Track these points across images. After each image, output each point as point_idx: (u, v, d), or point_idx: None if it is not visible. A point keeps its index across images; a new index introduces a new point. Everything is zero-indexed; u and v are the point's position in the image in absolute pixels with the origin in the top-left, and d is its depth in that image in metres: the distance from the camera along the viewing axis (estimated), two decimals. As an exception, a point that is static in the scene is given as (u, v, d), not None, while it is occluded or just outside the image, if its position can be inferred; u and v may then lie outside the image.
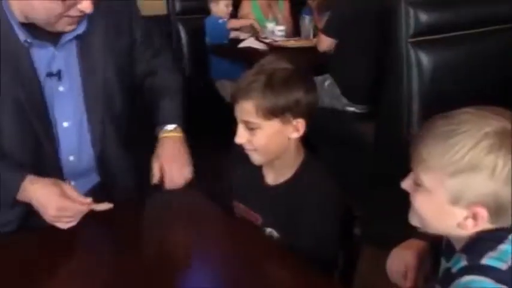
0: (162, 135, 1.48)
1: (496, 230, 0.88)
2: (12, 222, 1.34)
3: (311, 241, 1.25)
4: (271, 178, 1.37)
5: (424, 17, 2.38)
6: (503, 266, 0.84)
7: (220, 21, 3.77)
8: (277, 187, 1.35)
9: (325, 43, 3.04)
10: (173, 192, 1.45)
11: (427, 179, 0.90)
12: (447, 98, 2.45)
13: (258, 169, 1.38)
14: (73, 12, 1.20)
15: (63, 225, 1.24)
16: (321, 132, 2.53)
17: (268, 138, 1.27)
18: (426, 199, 0.91)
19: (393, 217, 1.17)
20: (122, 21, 1.43)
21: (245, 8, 4.07)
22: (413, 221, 0.96)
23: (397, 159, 2.38)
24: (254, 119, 1.26)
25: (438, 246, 1.04)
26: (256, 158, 1.32)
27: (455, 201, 0.87)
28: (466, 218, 0.88)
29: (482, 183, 0.84)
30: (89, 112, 1.37)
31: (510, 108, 0.91)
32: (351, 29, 2.88)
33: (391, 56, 2.45)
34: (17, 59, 1.23)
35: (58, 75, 1.29)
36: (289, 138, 1.29)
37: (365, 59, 2.84)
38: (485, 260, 0.85)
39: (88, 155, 1.42)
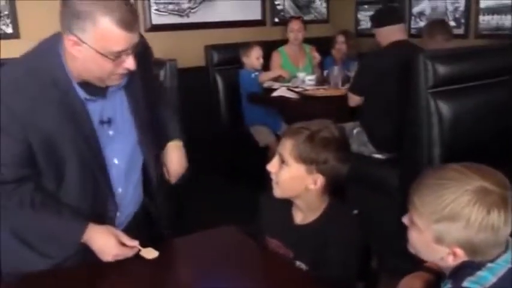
0: (168, 144, 1.81)
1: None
2: (72, 257, 1.56)
3: (335, 272, 1.45)
4: (300, 218, 1.59)
5: (441, 69, 2.58)
6: None
7: (253, 75, 4.06)
8: (305, 226, 1.57)
9: (353, 100, 3.25)
10: (213, 230, 1.71)
11: (418, 221, 1.12)
12: (467, 143, 2.63)
13: (288, 209, 1.61)
14: (120, 71, 1.46)
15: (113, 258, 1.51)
16: (349, 176, 2.72)
17: (290, 177, 1.52)
18: (417, 235, 1.14)
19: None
20: (146, 67, 1.67)
21: (275, 59, 4.37)
22: (411, 249, 1.19)
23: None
24: (287, 156, 1.51)
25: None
26: (276, 190, 1.56)
27: (438, 241, 1.10)
28: (448, 254, 1.10)
29: (459, 231, 1.06)
30: (142, 143, 1.64)
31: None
32: (375, 85, 3.06)
33: (412, 106, 2.64)
34: (76, 113, 1.48)
35: (108, 122, 1.55)
36: (306, 188, 1.51)
37: (390, 111, 3.01)
38: (465, 283, 1.07)
39: (132, 187, 1.67)
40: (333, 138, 1.50)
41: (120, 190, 1.62)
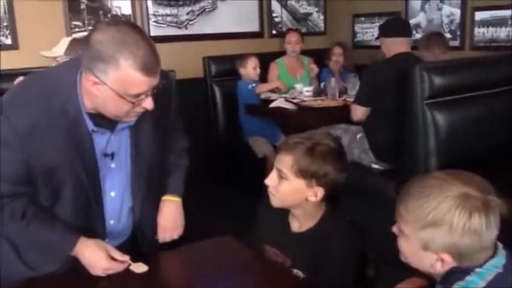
0: (164, 198, 1.78)
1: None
2: (58, 271, 1.56)
3: (331, 280, 1.47)
4: (296, 226, 1.60)
5: (437, 80, 2.61)
6: None
7: (250, 86, 4.08)
8: (302, 234, 1.58)
9: (359, 112, 3.17)
10: (209, 241, 1.71)
11: (405, 229, 1.15)
12: (463, 153, 2.65)
13: (285, 218, 1.62)
14: (138, 109, 1.44)
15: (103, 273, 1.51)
16: (346, 185, 2.73)
17: (289, 191, 1.53)
18: (406, 243, 1.17)
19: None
20: (164, 110, 1.65)
21: (273, 70, 4.40)
22: (402, 258, 1.21)
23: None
24: (286, 171, 1.51)
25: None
26: (273, 201, 1.57)
27: (425, 248, 1.13)
28: (436, 260, 1.12)
29: (443, 237, 1.09)
30: (133, 185, 1.63)
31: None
32: (378, 95, 3.06)
33: (409, 117, 2.67)
34: (81, 142, 1.48)
35: (111, 155, 1.55)
36: (306, 199, 1.53)
37: (390, 122, 3.01)
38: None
39: (125, 219, 1.67)
40: (331, 150, 1.51)
41: (112, 222, 1.63)
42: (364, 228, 1.64)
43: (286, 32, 4.61)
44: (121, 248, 1.59)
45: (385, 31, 3.23)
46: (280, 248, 1.60)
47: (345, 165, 1.55)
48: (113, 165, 1.56)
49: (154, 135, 1.62)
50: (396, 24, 3.31)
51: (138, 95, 1.39)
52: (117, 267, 1.51)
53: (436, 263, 1.13)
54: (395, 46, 3.13)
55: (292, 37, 4.42)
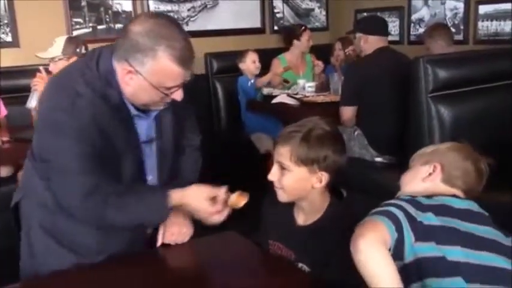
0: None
1: None
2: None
3: (337, 273, 1.43)
4: (302, 219, 1.58)
5: (441, 73, 2.59)
6: None
7: (249, 83, 4.06)
8: (307, 227, 1.56)
9: (348, 112, 3.16)
10: (214, 236, 1.70)
11: (412, 164, 1.51)
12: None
13: (290, 211, 1.60)
14: (167, 100, 1.48)
15: (219, 218, 1.57)
16: (349, 181, 2.71)
17: (294, 181, 1.51)
18: (408, 173, 1.51)
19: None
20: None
21: (275, 66, 4.34)
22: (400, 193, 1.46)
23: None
24: (287, 162, 1.50)
25: None
26: (281, 195, 1.55)
27: (426, 162, 1.45)
28: (429, 172, 1.42)
29: (442, 152, 1.47)
30: (158, 168, 1.65)
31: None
32: (367, 91, 3.07)
33: (413, 110, 2.65)
34: (127, 127, 1.50)
35: (150, 140, 1.59)
36: (312, 187, 1.51)
37: (387, 115, 3.02)
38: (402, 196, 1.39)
39: None
40: (327, 133, 1.51)
41: None
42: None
43: (297, 28, 4.44)
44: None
45: (368, 29, 3.30)
46: (285, 242, 1.58)
47: (343, 147, 1.55)
48: (148, 150, 1.60)
49: (173, 119, 1.64)
50: (379, 23, 3.40)
51: (171, 87, 1.42)
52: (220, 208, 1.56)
53: (427, 177, 1.41)
54: (376, 43, 3.23)
55: (308, 33, 4.35)
